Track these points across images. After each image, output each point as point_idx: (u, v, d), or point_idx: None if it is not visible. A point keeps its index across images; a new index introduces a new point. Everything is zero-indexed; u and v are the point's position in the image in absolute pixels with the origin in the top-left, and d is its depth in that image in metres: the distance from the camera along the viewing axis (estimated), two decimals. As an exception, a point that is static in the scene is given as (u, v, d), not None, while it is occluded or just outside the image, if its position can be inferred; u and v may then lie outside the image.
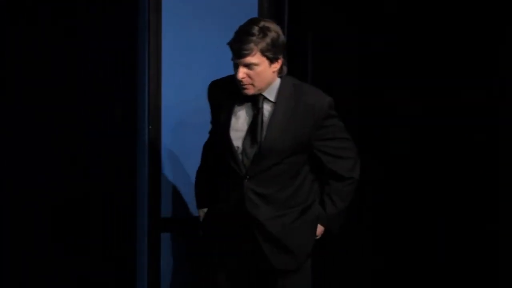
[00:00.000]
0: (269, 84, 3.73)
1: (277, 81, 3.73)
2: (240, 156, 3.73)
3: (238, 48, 3.58)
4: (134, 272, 4.33)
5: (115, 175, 4.41)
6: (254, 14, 4.39)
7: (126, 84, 4.44)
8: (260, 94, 3.71)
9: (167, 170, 4.30)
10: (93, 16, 4.38)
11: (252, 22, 3.64)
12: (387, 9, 4.74)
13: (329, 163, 3.85)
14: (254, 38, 3.58)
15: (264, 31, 3.58)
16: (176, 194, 4.33)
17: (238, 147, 3.73)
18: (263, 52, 3.61)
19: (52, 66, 4.32)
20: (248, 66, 3.61)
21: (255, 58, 3.60)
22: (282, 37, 3.67)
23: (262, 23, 3.62)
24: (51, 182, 4.32)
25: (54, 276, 4.36)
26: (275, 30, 3.64)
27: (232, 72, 3.52)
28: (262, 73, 3.64)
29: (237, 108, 3.75)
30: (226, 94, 3.80)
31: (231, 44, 3.63)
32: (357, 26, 4.78)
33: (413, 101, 4.76)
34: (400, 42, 4.69)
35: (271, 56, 3.60)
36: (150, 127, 4.26)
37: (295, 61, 4.50)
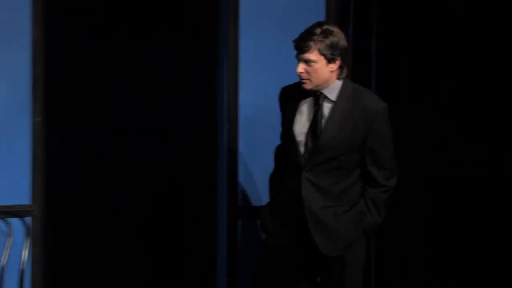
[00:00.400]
0: (326, 82, 4.05)
1: (338, 83, 4.06)
2: (301, 149, 4.07)
3: (299, 44, 3.96)
4: (215, 252, 4.87)
5: (199, 169, 4.95)
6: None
7: (208, 88, 4.96)
8: (321, 93, 4.04)
9: (243, 164, 4.76)
10: (181, 25, 4.90)
11: (317, 24, 4.00)
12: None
13: (370, 166, 4.14)
14: (315, 37, 3.93)
15: (325, 33, 3.93)
16: (251, 185, 4.82)
17: (300, 140, 4.06)
18: (321, 51, 3.94)
19: (143, 71, 4.88)
20: (307, 62, 3.96)
21: (313, 55, 3.95)
22: (344, 43, 3.99)
23: (325, 26, 3.99)
24: (145, 177, 4.91)
25: (148, 251, 4.97)
26: (337, 34, 3.98)
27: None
28: (319, 70, 3.98)
29: (302, 106, 4.09)
30: (294, 95, 4.16)
31: (295, 41, 3.98)
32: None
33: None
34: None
35: (329, 56, 3.93)
36: (228, 126, 4.77)
37: (359, 62, 5.02)
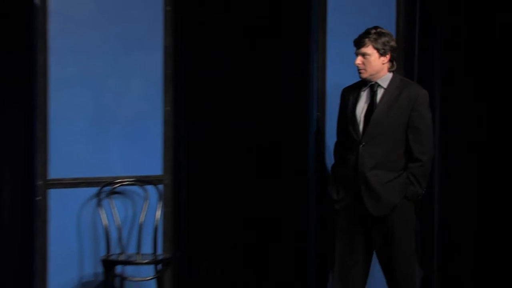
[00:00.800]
0: (378, 72, 4.90)
1: (389, 74, 4.93)
2: (360, 126, 4.92)
3: (358, 41, 4.88)
4: (307, 224, 5.77)
5: (293, 145, 5.81)
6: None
7: (302, 82, 5.82)
8: (376, 82, 4.90)
9: (329, 147, 5.59)
10: (283, 35, 5.76)
11: (373, 27, 4.92)
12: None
13: (411, 142, 4.89)
14: (370, 36, 4.85)
15: (378, 34, 4.86)
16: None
17: (360, 120, 4.92)
18: (374, 46, 4.85)
19: (252, 69, 5.76)
20: (363, 55, 4.86)
21: (368, 49, 4.86)
22: (393, 43, 4.92)
23: (379, 30, 4.90)
24: (249, 155, 5.79)
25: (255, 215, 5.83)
26: (387, 35, 4.89)
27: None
28: (373, 62, 4.87)
29: (361, 93, 4.97)
30: (353, 90, 5.04)
31: (355, 40, 4.92)
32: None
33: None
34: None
35: (381, 51, 4.82)
36: (318, 113, 5.67)
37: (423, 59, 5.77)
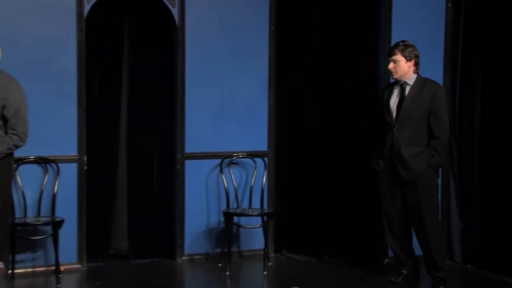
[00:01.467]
0: (406, 74, 5.83)
1: (414, 75, 5.87)
2: (393, 114, 5.86)
3: (390, 51, 5.94)
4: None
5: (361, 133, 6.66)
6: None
7: (372, 74, 6.73)
8: (405, 82, 5.84)
9: None
10: (359, 41, 6.69)
11: (401, 41, 5.89)
12: None
13: (432, 124, 5.77)
14: (399, 47, 5.86)
15: (405, 45, 5.85)
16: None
17: (393, 109, 5.87)
18: (402, 54, 5.83)
19: (339, 66, 6.74)
20: (394, 61, 5.86)
21: (398, 56, 5.85)
22: (416, 52, 5.82)
23: (406, 42, 5.87)
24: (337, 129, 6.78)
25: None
26: (412, 47, 5.84)
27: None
28: (402, 66, 5.85)
29: (394, 90, 5.91)
30: (388, 89, 5.98)
31: (388, 51, 5.97)
32: None
33: None
34: None
35: (407, 58, 5.82)
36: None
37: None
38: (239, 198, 6.94)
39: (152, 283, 6.23)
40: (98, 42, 6.61)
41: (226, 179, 6.84)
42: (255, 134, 7.01)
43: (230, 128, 6.92)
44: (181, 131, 6.77)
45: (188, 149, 6.81)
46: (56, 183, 6.34)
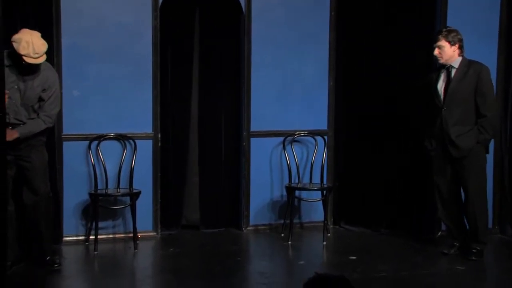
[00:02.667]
0: (451, 57, 5.92)
1: (459, 58, 5.97)
2: (441, 96, 5.99)
3: (435, 38, 5.99)
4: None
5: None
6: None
7: (424, 62, 6.72)
8: (450, 65, 5.95)
9: None
10: (414, 32, 6.85)
11: (444, 27, 6.09)
12: None
13: (479, 103, 5.87)
14: (442, 33, 5.97)
15: (449, 31, 5.96)
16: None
17: (441, 92, 5.99)
18: (446, 40, 5.94)
19: (392, 57, 6.93)
20: (439, 47, 5.97)
21: (442, 42, 5.97)
22: (460, 36, 5.91)
23: (449, 29, 6.00)
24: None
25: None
26: (455, 32, 5.95)
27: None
28: (447, 51, 5.97)
29: (440, 74, 6.03)
30: (436, 73, 6.08)
31: (433, 37, 5.99)
32: None
33: None
34: None
35: (451, 42, 5.92)
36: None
37: None
38: (301, 174, 7.19)
39: (220, 250, 6.55)
40: (171, 28, 6.95)
41: (288, 156, 7.09)
42: (316, 114, 7.24)
43: (292, 108, 7.16)
44: (247, 111, 7.05)
45: (253, 127, 7.09)
46: (134, 158, 6.73)
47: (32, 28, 6.14)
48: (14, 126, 5.47)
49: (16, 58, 5.39)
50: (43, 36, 5.60)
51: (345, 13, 7.22)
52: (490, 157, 6.80)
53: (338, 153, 7.38)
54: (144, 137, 6.78)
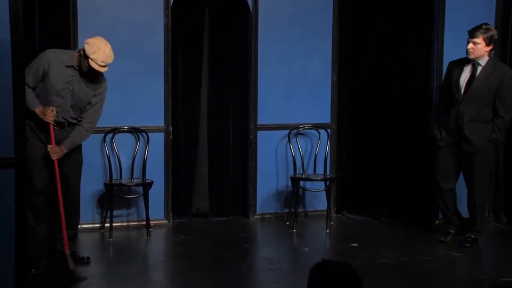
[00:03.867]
0: (482, 56, 5.80)
1: (487, 57, 5.85)
2: (461, 91, 5.87)
3: (472, 33, 5.80)
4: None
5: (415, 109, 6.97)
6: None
7: (426, 60, 6.94)
8: (477, 62, 5.82)
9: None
10: (414, 33, 6.92)
11: (484, 23, 5.84)
12: None
13: (497, 104, 5.82)
14: (481, 30, 5.78)
15: (487, 29, 5.80)
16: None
17: (462, 86, 5.86)
18: (483, 38, 5.76)
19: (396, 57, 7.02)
20: (474, 43, 5.79)
21: (479, 40, 5.79)
22: (496, 37, 5.83)
23: (488, 27, 5.82)
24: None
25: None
26: (493, 32, 5.83)
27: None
28: (480, 48, 5.80)
29: (464, 68, 5.89)
30: (458, 65, 5.93)
31: (469, 31, 5.78)
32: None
33: None
34: None
35: (487, 42, 5.76)
36: (437, 81, 6.87)
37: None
38: (305, 165, 7.29)
39: (228, 237, 6.67)
40: (182, 27, 7.07)
41: (293, 148, 7.19)
42: (320, 108, 7.31)
43: (297, 103, 7.25)
44: (254, 105, 7.14)
45: (260, 121, 7.18)
46: (146, 150, 6.86)
47: (50, 26, 6.31)
48: (58, 124, 5.44)
49: (80, 60, 5.37)
50: (61, 34, 5.66)
51: (347, 11, 7.30)
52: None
53: (340, 145, 7.46)
54: (156, 130, 6.90)
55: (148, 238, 6.56)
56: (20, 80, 4.14)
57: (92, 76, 5.46)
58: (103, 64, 5.35)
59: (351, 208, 7.46)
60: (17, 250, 4.13)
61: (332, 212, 7.25)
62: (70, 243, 5.55)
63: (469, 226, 6.30)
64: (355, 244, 6.37)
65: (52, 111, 5.31)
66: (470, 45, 5.85)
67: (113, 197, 6.61)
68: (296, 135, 7.25)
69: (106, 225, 6.66)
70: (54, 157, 5.34)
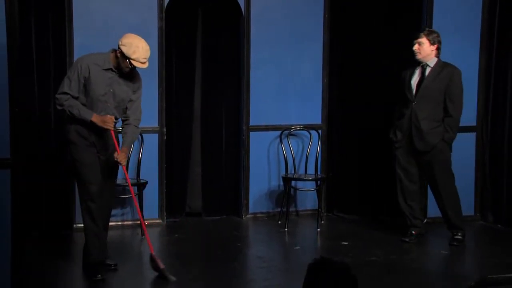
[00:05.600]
0: (428, 56, 5.91)
1: (435, 58, 5.97)
2: (413, 91, 5.98)
3: (417, 35, 5.98)
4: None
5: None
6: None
7: (410, 60, 6.57)
8: (426, 63, 5.94)
9: None
10: (399, 32, 6.87)
11: (427, 29, 6.05)
12: None
13: (447, 102, 5.90)
14: (425, 32, 5.97)
15: (430, 31, 5.98)
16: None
17: (413, 87, 5.99)
18: (427, 37, 5.92)
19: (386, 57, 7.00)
20: (419, 43, 5.96)
21: (422, 39, 5.96)
22: (439, 38, 5.91)
23: (431, 29, 6.04)
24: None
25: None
26: (436, 33, 5.94)
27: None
28: (426, 48, 5.96)
29: (415, 70, 6.02)
30: (411, 69, 6.06)
31: (415, 35, 5.92)
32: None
33: None
34: None
35: (431, 41, 5.90)
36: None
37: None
38: (296, 165, 7.29)
39: (221, 236, 6.67)
40: (176, 29, 7.04)
41: (285, 148, 7.18)
42: (311, 109, 7.32)
43: (288, 104, 7.25)
44: (246, 106, 7.13)
45: (252, 122, 7.18)
46: (141, 151, 6.84)
47: (45, 27, 6.26)
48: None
49: (119, 62, 5.24)
50: (56, 35, 5.58)
51: (338, 14, 7.31)
52: (472, 150, 7.00)
53: (331, 146, 7.46)
54: (151, 131, 6.87)
55: (143, 237, 6.49)
56: (15, 81, 4.10)
57: (130, 74, 5.35)
58: (144, 60, 5.23)
59: (341, 207, 7.46)
60: (14, 251, 4.09)
61: (323, 211, 7.24)
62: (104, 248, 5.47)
63: (449, 226, 6.29)
64: (346, 243, 6.36)
65: (111, 118, 5.21)
66: (416, 46, 6.00)
67: (108, 196, 6.55)
68: (287, 136, 7.24)
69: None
70: (123, 162, 5.26)
